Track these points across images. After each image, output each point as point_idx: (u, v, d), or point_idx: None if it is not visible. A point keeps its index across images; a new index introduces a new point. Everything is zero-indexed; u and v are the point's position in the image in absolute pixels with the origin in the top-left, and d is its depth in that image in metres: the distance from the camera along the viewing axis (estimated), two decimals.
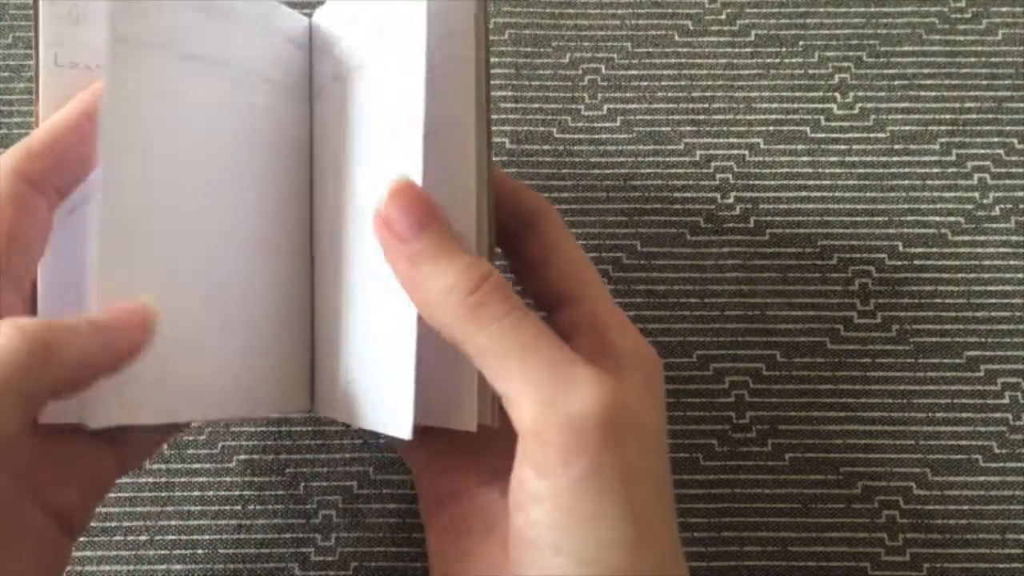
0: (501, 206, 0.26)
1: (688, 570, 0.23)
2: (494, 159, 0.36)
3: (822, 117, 0.37)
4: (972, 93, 0.37)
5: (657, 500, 0.22)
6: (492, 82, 0.38)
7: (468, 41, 0.24)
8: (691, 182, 0.37)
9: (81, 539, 0.29)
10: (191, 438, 0.34)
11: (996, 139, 0.37)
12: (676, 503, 0.33)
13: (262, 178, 0.27)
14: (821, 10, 0.38)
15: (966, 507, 0.33)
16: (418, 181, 0.23)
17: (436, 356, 0.24)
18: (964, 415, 0.34)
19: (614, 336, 0.24)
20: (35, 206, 0.24)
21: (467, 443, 0.26)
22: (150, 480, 0.33)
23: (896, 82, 0.38)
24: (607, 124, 0.37)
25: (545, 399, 0.21)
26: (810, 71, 0.38)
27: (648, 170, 0.37)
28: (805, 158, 0.37)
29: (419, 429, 0.24)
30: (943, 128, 0.37)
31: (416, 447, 0.27)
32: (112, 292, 0.23)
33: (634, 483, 0.21)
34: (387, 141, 0.24)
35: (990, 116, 0.37)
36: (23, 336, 0.21)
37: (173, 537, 0.33)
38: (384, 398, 0.24)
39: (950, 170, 0.37)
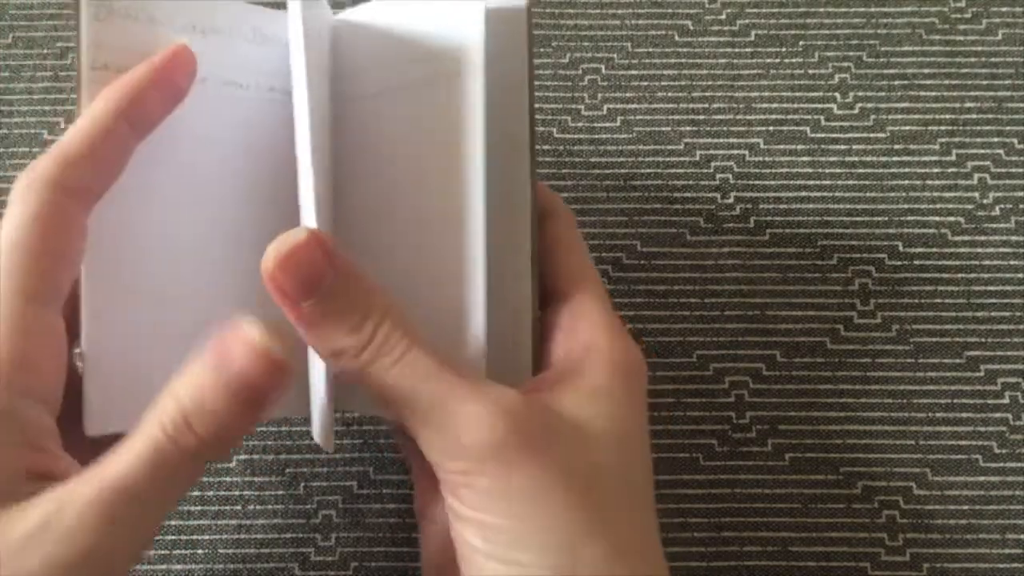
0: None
1: (661, 556, 0.24)
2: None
3: (822, 117, 0.37)
4: (972, 93, 0.37)
5: (612, 493, 0.23)
6: None
7: (521, 54, 0.24)
8: (691, 182, 0.37)
9: None
10: None
11: (996, 139, 0.37)
12: (676, 503, 0.33)
13: (258, 190, 0.27)
14: (821, 10, 0.38)
15: (966, 507, 0.33)
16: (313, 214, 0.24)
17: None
18: (964, 415, 0.34)
19: (585, 337, 0.25)
20: (75, 217, 0.24)
21: None
22: None
23: (896, 82, 0.38)
24: (607, 124, 0.37)
25: (437, 431, 0.22)
26: (810, 71, 0.38)
27: (648, 170, 0.37)
28: (805, 158, 0.37)
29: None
30: (943, 128, 0.37)
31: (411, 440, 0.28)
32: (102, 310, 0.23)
33: (564, 490, 0.22)
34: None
35: (990, 116, 0.37)
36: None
37: (173, 537, 0.33)
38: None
39: (950, 170, 0.37)
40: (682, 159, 0.37)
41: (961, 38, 0.38)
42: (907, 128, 0.37)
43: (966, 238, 0.36)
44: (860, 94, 0.37)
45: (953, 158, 0.37)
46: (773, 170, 0.37)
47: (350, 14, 0.28)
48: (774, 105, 0.37)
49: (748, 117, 0.37)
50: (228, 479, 0.34)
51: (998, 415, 0.34)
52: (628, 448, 0.24)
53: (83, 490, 0.21)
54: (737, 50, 0.38)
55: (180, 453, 0.22)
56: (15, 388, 0.22)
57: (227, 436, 0.22)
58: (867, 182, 0.37)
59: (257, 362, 0.21)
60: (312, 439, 0.34)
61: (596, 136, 0.37)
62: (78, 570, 0.21)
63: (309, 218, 0.24)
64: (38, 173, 0.23)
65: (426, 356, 0.23)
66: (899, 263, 0.36)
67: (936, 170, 0.37)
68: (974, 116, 0.37)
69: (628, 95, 0.38)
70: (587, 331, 0.25)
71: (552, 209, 0.28)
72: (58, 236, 0.23)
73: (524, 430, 0.22)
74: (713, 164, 0.37)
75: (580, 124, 0.37)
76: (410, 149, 0.26)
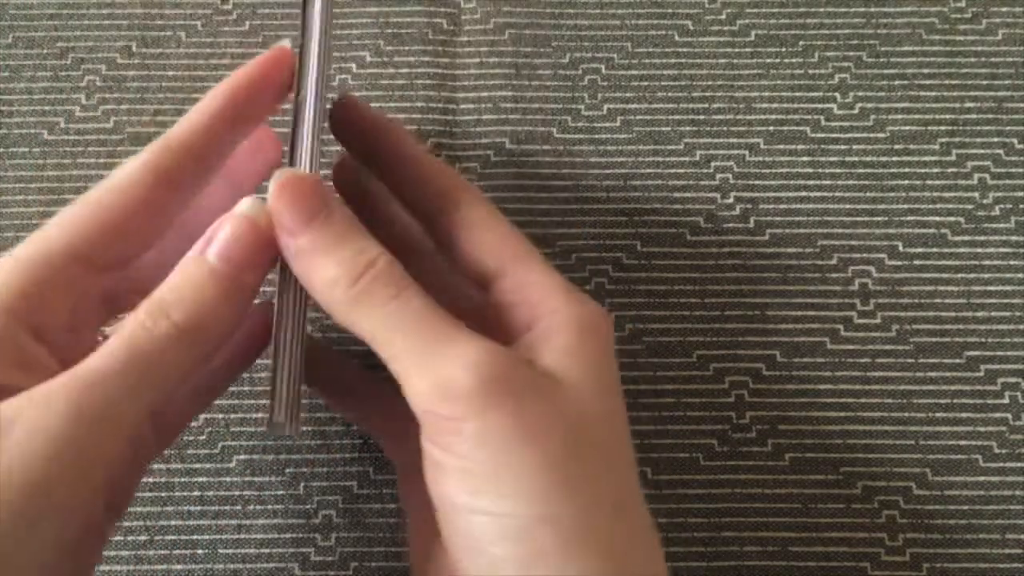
0: (420, 187, 0.27)
1: (647, 516, 0.24)
2: (492, 158, 0.36)
3: (822, 117, 0.37)
4: (972, 93, 0.37)
5: (599, 442, 0.23)
6: (492, 82, 0.38)
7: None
8: (691, 182, 0.37)
9: None
10: (191, 438, 0.34)
11: (996, 139, 0.37)
12: (676, 503, 0.33)
13: None
14: (821, 10, 0.38)
15: (966, 507, 0.33)
16: (307, 166, 0.25)
17: None
18: (964, 415, 0.34)
19: (540, 301, 0.25)
20: (167, 203, 0.24)
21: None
22: (150, 480, 0.33)
23: (896, 82, 0.38)
24: (607, 124, 0.37)
25: (426, 374, 0.22)
26: (810, 71, 0.38)
27: (648, 170, 0.37)
28: (805, 158, 0.37)
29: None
30: (943, 128, 0.37)
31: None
32: None
33: (545, 436, 0.22)
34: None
35: (990, 116, 0.37)
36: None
37: (173, 537, 0.33)
38: None
39: (950, 170, 0.37)
40: (682, 159, 0.37)
41: (961, 38, 0.38)
42: (907, 128, 0.37)
43: (966, 238, 0.36)
44: (860, 94, 0.37)
45: (953, 158, 0.37)
46: (773, 170, 0.37)
47: None
48: (774, 105, 0.37)
49: (748, 117, 0.37)
50: (228, 479, 0.34)
51: (998, 415, 0.34)
52: (608, 400, 0.24)
53: (53, 385, 0.21)
54: (737, 50, 0.38)
55: (154, 341, 0.22)
56: (15, 314, 0.22)
57: (205, 323, 0.22)
58: (867, 182, 0.37)
59: (236, 225, 0.23)
60: (312, 439, 0.34)
61: (596, 136, 0.37)
62: (47, 462, 0.20)
63: (304, 163, 0.25)
64: (144, 152, 0.24)
65: (418, 297, 0.23)
66: (899, 263, 0.36)
67: (936, 170, 0.37)
68: (974, 116, 0.37)
69: (628, 95, 0.38)
70: (540, 297, 0.25)
71: (455, 187, 0.27)
72: (139, 212, 0.24)
73: (513, 376, 0.22)
74: (713, 164, 0.37)
75: (580, 124, 0.37)
76: None
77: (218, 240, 0.23)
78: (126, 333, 0.22)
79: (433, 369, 0.22)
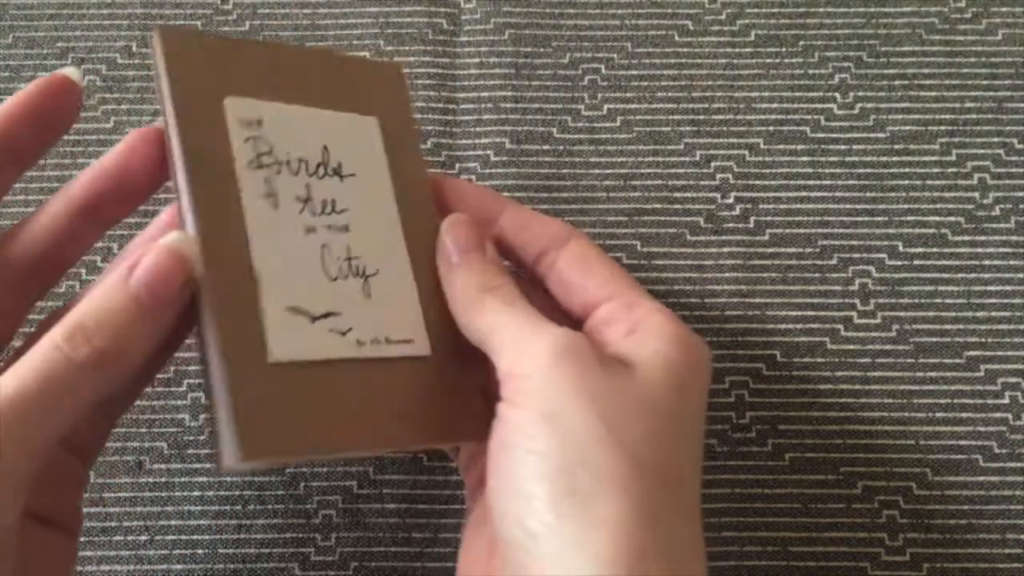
0: (527, 235, 0.29)
1: (695, 514, 0.25)
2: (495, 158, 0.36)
3: (822, 117, 0.37)
4: (972, 93, 0.37)
5: (643, 424, 0.24)
6: (492, 82, 0.38)
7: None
8: (691, 182, 0.37)
9: (81, 539, 0.29)
10: (191, 438, 0.34)
11: (996, 139, 0.37)
12: None
13: None
14: (821, 10, 0.38)
15: (966, 507, 0.33)
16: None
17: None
18: (964, 415, 0.34)
19: (643, 318, 0.26)
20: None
21: None
22: (150, 480, 0.33)
23: (896, 82, 0.38)
24: (607, 124, 0.37)
25: (515, 350, 0.25)
26: (810, 71, 0.38)
27: (648, 170, 0.37)
28: (805, 158, 0.37)
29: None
30: (943, 128, 0.37)
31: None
32: None
33: (602, 400, 0.24)
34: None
35: (990, 116, 0.37)
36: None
37: (173, 537, 0.33)
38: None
39: (950, 170, 0.37)
40: (682, 159, 0.37)
41: (961, 38, 0.38)
42: (907, 128, 0.37)
43: (966, 238, 0.36)
44: (860, 94, 0.37)
45: (953, 158, 0.37)
46: (773, 170, 0.37)
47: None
48: (774, 105, 0.37)
49: (748, 117, 0.37)
50: (228, 479, 0.34)
51: (998, 415, 0.34)
52: (678, 399, 0.25)
53: None
54: (737, 50, 0.38)
55: (71, 368, 0.22)
56: None
57: (125, 347, 0.23)
58: (867, 182, 0.37)
59: (161, 256, 0.23)
60: None
61: (596, 136, 0.37)
62: None
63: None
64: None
65: (526, 310, 0.26)
66: (899, 263, 0.36)
67: (936, 170, 0.37)
68: (974, 116, 0.37)
69: (628, 95, 0.38)
70: (644, 315, 0.26)
71: (563, 237, 0.29)
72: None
73: (583, 351, 0.25)
74: (713, 164, 0.37)
75: (580, 124, 0.37)
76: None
77: (144, 268, 0.23)
78: (41, 356, 0.22)
79: (522, 346, 0.25)
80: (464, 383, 0.28)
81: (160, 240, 0.24)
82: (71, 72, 0.26)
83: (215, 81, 0.26)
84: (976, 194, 0.36)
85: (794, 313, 0.35)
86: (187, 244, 0.24)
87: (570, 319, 0.28)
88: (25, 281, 0.26)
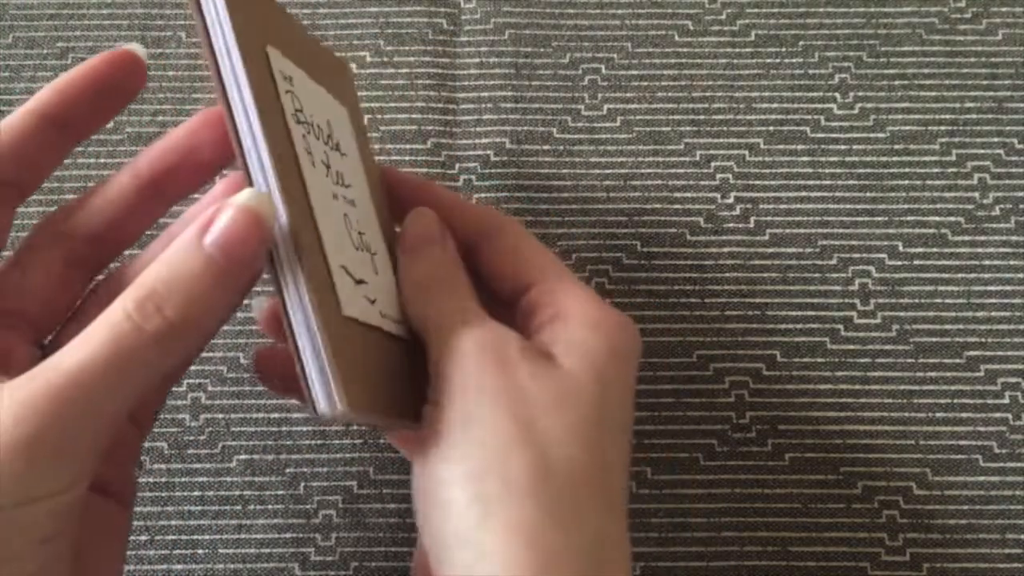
0: (460, 222, 0.29)
1: (617, 502, 0.24)
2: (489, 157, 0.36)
3: (822, 117, 0.37)
4: (972, 93, 0.37)
5: (559, 422, 0.23)
6: (492, 82, 0.38)
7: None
8: (691, 182, 0.37)
9: None
10: (191, 438, 0.34)
11: (996, 139, 0.37)
12: (676, 503, 0.33)
13: None
14: (821, 10, 0.38)
15: (966, 507, 0.33)
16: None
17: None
18: (964, 415, 0.34)
19: (565, 303, 0.26)
20: None
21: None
22: (150, 480, 0.33)
23: (896, 82, 0.38)
24: (607, 124, 0.37)
25: (445, 342, 0.25)
26: (810, 71, 0.38)
27: (648, 170, 0.37)
28: (805, 158, 0.37)
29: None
30: (943, 128, 0.37)
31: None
32: None
33: (517, 397, 0.23)
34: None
35: (990, 116, 0.37)
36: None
37: (173, 537, 0.33)
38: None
39: (950, 170, 0.37)
40: (682, 159, 0.37)
41: (961, 38, 0.38)
42: (907, 128, 0.37)
43: (966, 238, 0.36)
44: (860, 94, 0.37)
45: (953, 158, 0.37)
46: (773, 170, 0.37)
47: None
48: (774, 105, 0.37)
49: (748, 117, 0.37)
50: (228, 479, 0.34)
51: (998, 415, 0.34)
52: (601, 390, 0.25)
53: (34, 385, 0.20)
54: (737, 50, 0.38)
55: (144, 339, 0.21)
56: None
57: (199, 319, 0.21)
58: (867, 182, 0.37)
59: (239, 214, 0.21)
60: (312, 439, 0.34)
61: (596, 136, 0.37)
62: (21, 457, 0.20)
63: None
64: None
65: (469, 299, 0.26)
66: (899, 263, 0.36)
67: (936, 170, 0.37)
68: (974, 116, 0.37)
69: (628, 95, 0.38)
70: (567, 301, 0.26)
71: (496, 225, 0.28)
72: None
73: (503, 346, 0.25)
74: (713, 164, 0.37)
75: (580, 124, 0.37)
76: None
77: (216, 229, 0.21)
78: (111, 326, 0.21)
79: (448, 342, 0.25)
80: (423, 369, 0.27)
81: (231, 199, 0.22)
82: (137, 48, 0.25)
83: (259, 32, 0.25)
84: (976, 194, 0.36)
85: (794, 313, 0.35)
86: (263, 202, 0.22)
87: (509, 310, 0.28)
88: (87, 255, 0.25)
